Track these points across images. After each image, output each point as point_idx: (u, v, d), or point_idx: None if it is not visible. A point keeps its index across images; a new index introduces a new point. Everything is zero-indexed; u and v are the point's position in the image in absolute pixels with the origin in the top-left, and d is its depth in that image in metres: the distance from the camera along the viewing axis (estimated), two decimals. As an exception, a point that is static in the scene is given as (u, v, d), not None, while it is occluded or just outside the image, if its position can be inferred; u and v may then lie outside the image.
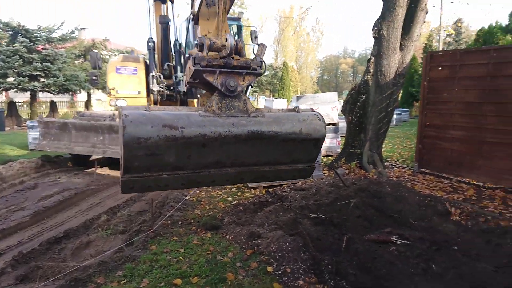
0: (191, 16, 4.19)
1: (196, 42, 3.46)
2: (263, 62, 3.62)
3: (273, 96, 35.97)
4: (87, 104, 26.69)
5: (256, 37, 9.71)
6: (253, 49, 3.84)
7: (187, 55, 3.92)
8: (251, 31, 9.76)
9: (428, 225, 4.65)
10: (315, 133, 3.80)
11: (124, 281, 3.17)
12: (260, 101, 30.84)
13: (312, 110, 4.12)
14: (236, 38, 9.80)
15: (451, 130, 6.88)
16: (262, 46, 3.81)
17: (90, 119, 8.24)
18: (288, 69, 38.89)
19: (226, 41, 3.44)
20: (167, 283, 3.07)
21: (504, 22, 19.59)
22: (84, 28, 31.20)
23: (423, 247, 3.98)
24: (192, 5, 4.12)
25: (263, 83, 36.75)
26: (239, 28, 10.01)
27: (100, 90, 25.20)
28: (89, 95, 26.62)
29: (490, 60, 6.23)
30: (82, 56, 25.59)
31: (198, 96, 8.97)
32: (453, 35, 32.98)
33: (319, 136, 3.84)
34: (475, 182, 6.59)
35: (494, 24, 19.46)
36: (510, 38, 17.74)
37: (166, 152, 3.15)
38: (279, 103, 19.81)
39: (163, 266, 3.38)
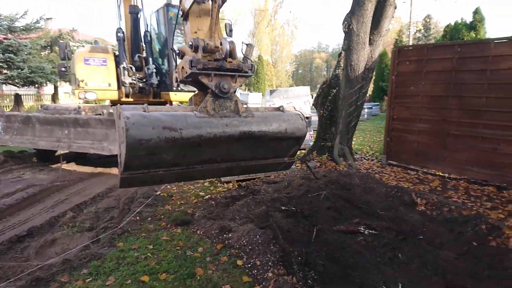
0: (180, 13, 4.19)
1: (190, 43, 3.60)
2: (253, 65, 3.82)
3: (248, 89, 35.85)
4: (54, 97, 25.68)
5: (230, 30, 9.71)
6: (241, 49, 3.97)
7: (177, 51, 4.01)
8: (225, 24, 9.70)
9: (395, 215, 4.79)
10: (298, 132, 4.11)
11: (89, 279, 3.08)
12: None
13: (294, 108, 4.42)
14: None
15: (418, 123, 7.09)
16: (250, 47, 4.04)
17: (55, 112, 7.92)
18: (263, 62, 38.87)
19: (221, 44, 3.60)
20: (134, 280, 3.01)
21: (469, 19, 20.35)
22: (50, 18, 29.86)
23: (390, 237, 4.10)
24: (181, 1, 4.14)
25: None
26: None
27: (67, 83, 24.25)
28: (56, 88, 25.61)
29: (454, 55, 6.43)
30: (49, 47, 24.54)
31: (174, 88, 8.83)
32: (422, 30, 33.97)
33: (301, 135, 4.16)
34: (440, 173, 6.85)
35: (459, 21, 20.21)
36: (474, 34, 18.49)
37: (165, 151, 3.34)
38: (254, 97, 19.81)
39: (130, 263, 3.31)
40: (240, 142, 3.77)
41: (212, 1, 3.67)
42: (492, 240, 3.85)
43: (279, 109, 4.20)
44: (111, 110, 7.68)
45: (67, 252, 3.74)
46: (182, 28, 4.49)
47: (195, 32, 4.06)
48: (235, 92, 3.82)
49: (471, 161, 6.27)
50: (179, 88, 8.98)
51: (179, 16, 4.28)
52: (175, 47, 4.15)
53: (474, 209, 4.76)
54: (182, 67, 3.79)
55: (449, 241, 4.11)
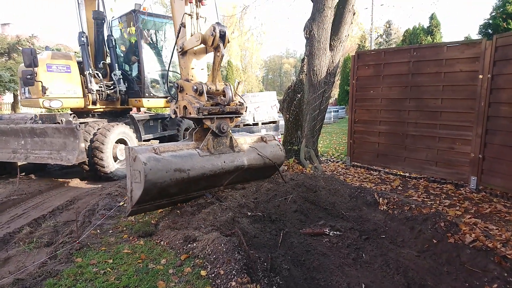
0: (179, 49, 4.71)
1: (195, 87, 4.19)
2: (247, 107, 4.60)
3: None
4: (14, 106, 24.46)
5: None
6: (235, 87, 4.87)
7: (175, 84, 4.66)
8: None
9: (359, 215, 4.88)
10: (278, 160, 5.07)
11: (43, 299, 2.91)
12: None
13: (274, 138, 5.34)
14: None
15: (378, 125, 7.29)
16: (240, 83, 4.95)
17: (10, 122, 7.53)
18: (232, 68, 38.92)
19: (224, 91, 4.29)
20: (91, 298, 2.87)
21: (426, 24, 21.35)
22: (7, 24, 28.56)
23: (354, 237, 4.16)
24: (178, 36, 4.67)
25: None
26: None
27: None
28: (15, 97, 24.40)
29: (411, 58, 6.67)
30: (6, 54, 23.37)
31: (146, 94, 8.69)
32: (384, 36, 35.26)
33: (280, 163, 5.14)
34: (401, 173, 7.08)
35: (417, 26, 21.16)
36: (430, 39, 19.40)
37: (173, 188, 3.88)
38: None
39: (88, 279, 3.16)
40: (234, 173, 4.46)
41: (215, 51, 4.27)
42: (450, 236, 3.96)
43: (262, 139, 5.08)
44: (70, 118, 7.39)
45: (20, 271, 3.54)
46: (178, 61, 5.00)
47: (192, 69, 4.65)
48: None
49: (430, 161, 6.53)
50: (152, 95, 8.90)
51: (177, 51, 4.79)
52: (176, 80, 4.83)
53: (433, 207, 4.90)
54: (185, 106, 4.40)
55: (410, 239, 4.23)
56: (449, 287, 3.24)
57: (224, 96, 4.30)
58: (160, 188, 3.66)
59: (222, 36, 4.16)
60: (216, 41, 4.14)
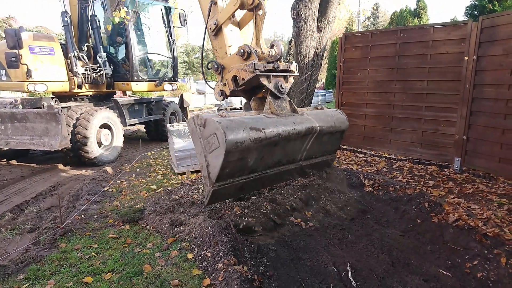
0: (211, 26, 4.34)
1: (242, 50, 3.84)
2: (297, 65, 4.19)
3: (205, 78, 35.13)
4: (-8, 91, 23.72)
5: (185, 20, 9.42)
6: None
7: (214, 65, 4.28)
8: (179, 13, 9.41)
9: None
10: (343, 125, 4.56)
11: (26, 285, 2.86)
12: (191, 84, 30.02)
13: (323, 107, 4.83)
14: (165, 21, 9.35)
15: (365, 108, 7.31)
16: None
17: (-12, 107, 7.29)
18: (218, 51, 38.22)
19: (272, 47, 4.02)
20: (76, 282, 2.84)
21: (413, 6, 21.33)
22: (-18, 5, 27.36)
23: (340, 218, 4.21)
24: (208, 16, 4.37)
25: (195, 65, 35.73)
26: (168, 10, 9.51)
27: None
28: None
29: (397, 40, 6.64)
30: (-19, 36, 22.51)
31: (135, 78, 8.53)
32: (371, 18, 35.14)
33: (345, 127, 4.61)
34: (386, 155, 7.14)
35: (404, 8, 21.13)
36: (417, 21, 19.41)
37: (250, 154, 3.44)
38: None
39: (72, 264, 3.12)
40: (305, 138, 4.03)
41: (255, 10, 3.94)
42: (434, 216, 4.03)
43: (317, 108, 4.65)
44: (51, 103, 7.19)
45: (2, 257, 3.47)
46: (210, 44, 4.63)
47: (230, 46, 4.30)
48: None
49: (415, 142, 6.60)
50: (140, 78, 8.71)
51: (209, 31, 4.43)
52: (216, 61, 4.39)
53: (417, 188, 4.97)
54: (234, 76, 4.02)
55: (394, 219, 4.29)
56: (432, 265, 3.30)
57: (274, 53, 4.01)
58: (240, 152, 3.23)
59: None
60: None
